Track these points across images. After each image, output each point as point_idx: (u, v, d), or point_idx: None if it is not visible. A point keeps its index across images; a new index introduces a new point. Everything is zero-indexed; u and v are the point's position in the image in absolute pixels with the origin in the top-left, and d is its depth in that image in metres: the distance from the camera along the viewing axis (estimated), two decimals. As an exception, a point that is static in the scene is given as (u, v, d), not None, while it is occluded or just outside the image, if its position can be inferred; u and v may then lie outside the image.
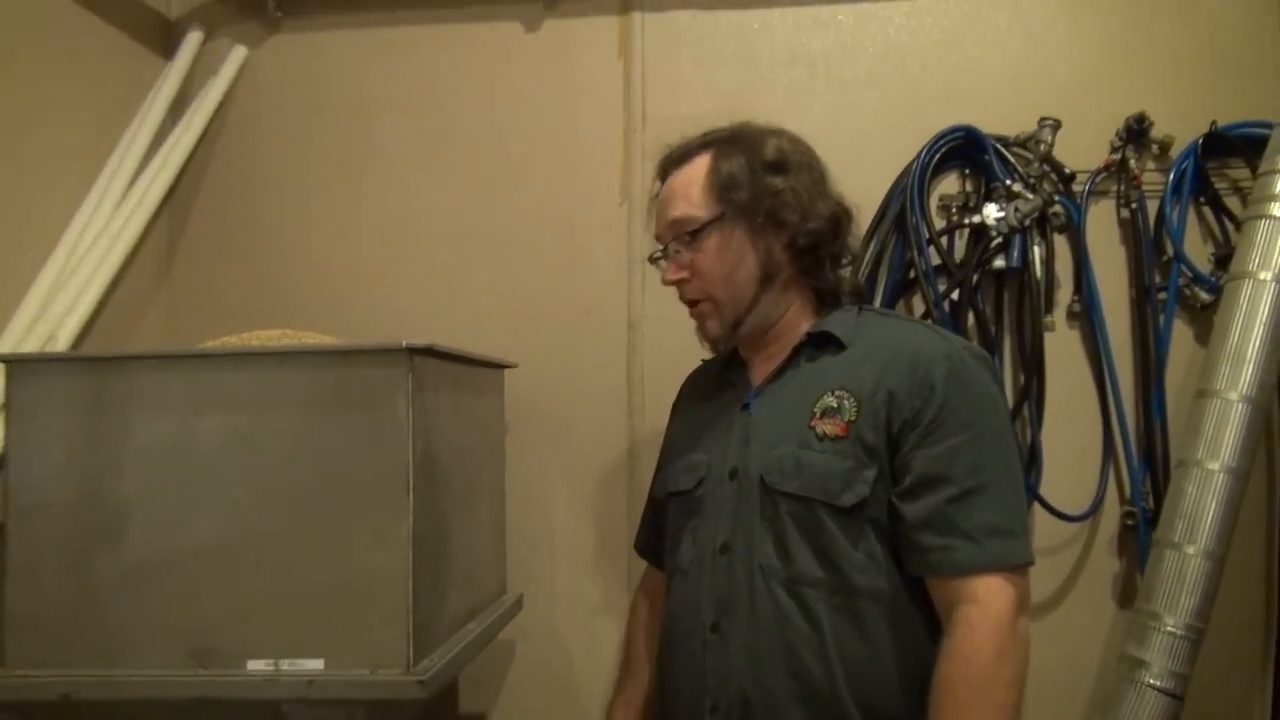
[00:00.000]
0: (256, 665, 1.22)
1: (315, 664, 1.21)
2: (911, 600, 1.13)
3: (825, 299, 1.29)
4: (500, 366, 1.68)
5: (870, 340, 1.22)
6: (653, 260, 1.33)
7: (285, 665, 1.21)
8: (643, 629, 1.45)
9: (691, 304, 1.29)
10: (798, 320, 1.27)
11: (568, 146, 1.92)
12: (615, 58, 1.92)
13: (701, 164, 1.25)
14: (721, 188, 1.22)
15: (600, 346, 1.89)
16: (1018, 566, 1.09)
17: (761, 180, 1.21)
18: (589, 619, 1.86)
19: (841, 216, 1.27)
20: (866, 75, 1.86)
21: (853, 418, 1.15)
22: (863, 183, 1.56)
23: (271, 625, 1.23)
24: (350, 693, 1.19)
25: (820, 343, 1.24)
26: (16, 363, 1.30)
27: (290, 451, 1.24)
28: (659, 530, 1.41)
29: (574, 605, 1.87)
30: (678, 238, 1.25)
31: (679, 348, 1.80)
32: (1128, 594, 1.75)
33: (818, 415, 1.18)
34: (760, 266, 1.23)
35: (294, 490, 1.23)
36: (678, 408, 1.46)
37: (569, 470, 1.88)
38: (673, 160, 1.29)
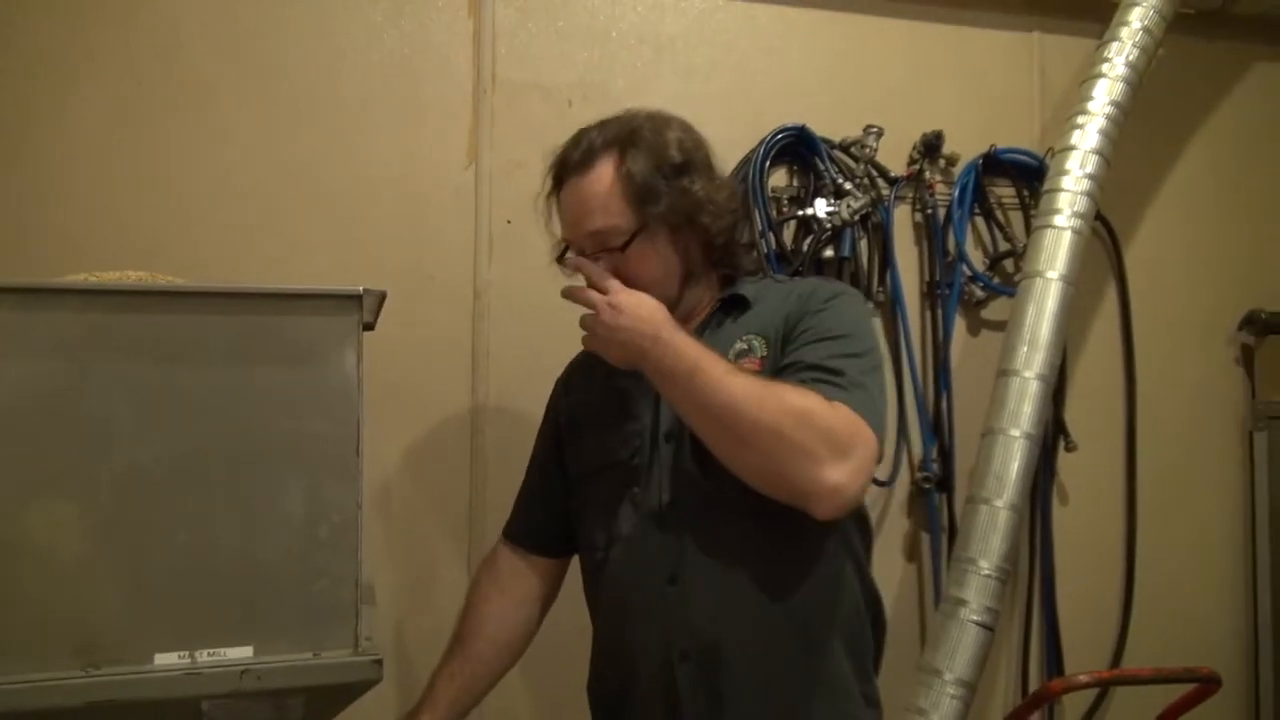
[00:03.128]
0: (167, 659, 1.04)
1: (243, 651, 1.06)
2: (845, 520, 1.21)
3: (740, 273, 1.36)
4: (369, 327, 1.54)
5: (773, 296, 1.30)
6: (559, 260, 1.33)
7: (205, 656, 1.04)
8: (482, 605, 1.41)
9: None
10: (711, 298, 1.34)
11: (411, 102, 1.81)
12: (465, 15, 1.84)
13: (609, 171, 1.23)
14: (639, 197, 1.22)
15: (445, 314, 1.80)
16: (871, 427, 1.11)
17: (675, 185, 1.23)
18: (426, 594, 1.77)
19: (739, 201, 1.34)
20: (709, 65, 1.96)
21: (764, 353, 1.23)
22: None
23: (181, 612, 1.04)
24: (295, 680, 1.05)
25: (729, 307, 1.31)
26: None
27: (209, 409, 1.06)
28: (548, 513, 1.40)
29: (411, 580, 1.77)
30: (600, 248, 1.25)
31: (526, 317, 1.80)
32: (913, 549, 2.01)
33: (732, 359, 1.22)
34: (682, 265, 1.28)
35: (214, 454, 1.06)
36: (575, 386, 1.43)
37: (408, 441, 1.77)
38: (574, 164, 1.26)
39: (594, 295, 1.20)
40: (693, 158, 1.26)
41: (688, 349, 1.14)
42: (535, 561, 1.41)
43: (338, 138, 1.76)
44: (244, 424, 1.07)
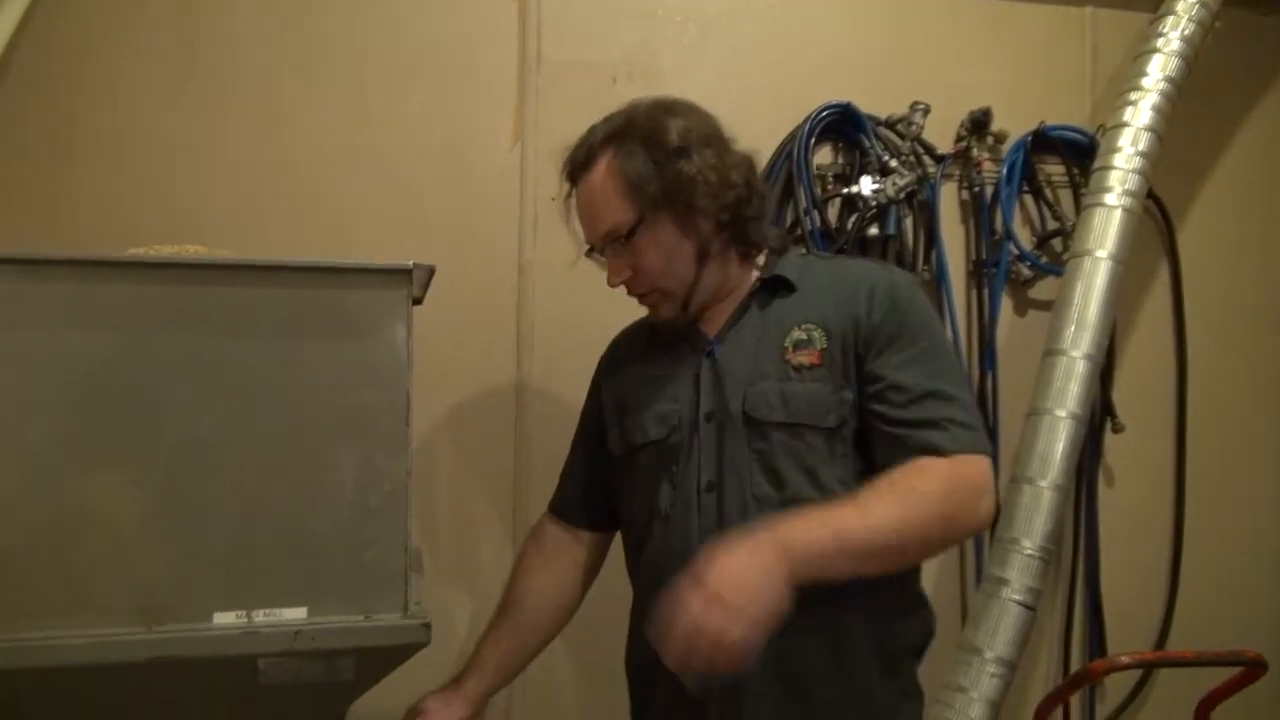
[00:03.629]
0: (225, 618, 1.08)
1: (297, 613, 1.09)
2: None
3: (759, 249, 1.36)
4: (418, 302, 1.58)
5: (820, 279, 1.30)
6: (587, 255, 1.35)
7: (261, 616, 1.08)
8: (527, 575, 1.44)
9: (641, 295, 1.32)
10: (741, 274, 1.34)
11: (457, 80, 1.83)
12: (510, -6, 1.86)
13: (604, 168, 1.25)
14: (633, 188, 1.23)
15: (490, 290, 1.83)
16: (983, 453, 1.18)
17: (669, 170, 1.23)
18: (473, 563, 1.81)
19: (751, 174, 1.33)
20: (754, 42, 1.95)
21: (823, 346, 1.23)
22: (745, 147, 1.64)
23: (238, 575, 1.09)
24: (346, 641, 1.09)
25: (773, 287, 1.31)
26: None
27: (263, 381, 1.10)
28: (592, 488, 1.42)
29: (457, 549, 1.81)
30: (611, 244, 1.27)
31: (570, 295, 1.82)
32: (955, 528, 2.00)
33: (790, 349, 1.24)
34: (694, 247, 1.27)
35: (268, 425, 1.09)
36: (615, 367, 1.45)
37: (455, 415, 1.81)
38: (578, 164, 1.29)
39: (680, 610, 1.01)
40: (690, 140, 1.25)
41: (809, 525, 1.08)
42: (579, 534, 1.44)
43: (386, 116, 1.79)
44: (297, 395, 1.11)
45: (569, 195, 1.32)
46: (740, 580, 1.01)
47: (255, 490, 1.10)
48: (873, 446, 1.22)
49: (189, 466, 1.08)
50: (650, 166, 1.23)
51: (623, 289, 1.32)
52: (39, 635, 1.02)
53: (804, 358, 1.24)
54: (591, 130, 1.29)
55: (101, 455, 1.06)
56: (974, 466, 1.16)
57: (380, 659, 1.13)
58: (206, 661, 1.06)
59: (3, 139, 1.65)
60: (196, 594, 1.07)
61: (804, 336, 1.25)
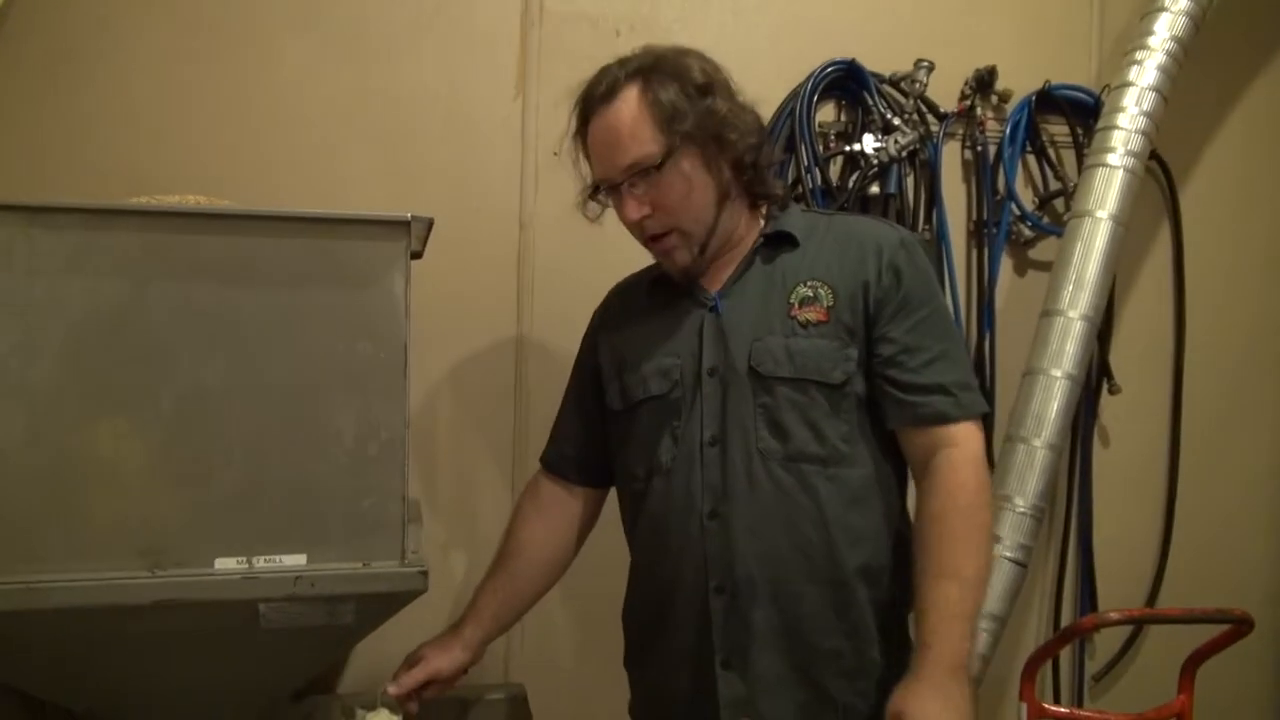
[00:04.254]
0: (227, 564, 1.10)
1: (297, 559, 1.12)
2: (885, 459, 1.26)
3: (764, 202, 1.36)
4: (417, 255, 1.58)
5: (824, 235, 1.31)
6: (591, 197, 1.33)
7: (262, 562, 1.11)
8: (523, 528, 1.46)
9: (655, 238, 1.29)
10: (747, 227, 1.34)
11: (460, 32, 1.81)
12: (513, -57, 1.84)
13: (634, 98, 1.24)
14: (666, 120, 1.22)
15: (491, 244, 1.83)
16: (981, 415, 1.25)
17: (700, 105, 1.24)
18: (472, 514, 1.83)
19: (761, 125, 1.34)
20: (759, -1, 1.94)
21: (831, 303, 1.25)
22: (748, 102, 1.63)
23: (240, 521, 1.11)
24: (344, 587, 1.12)
25: (776, 243, 1.31)
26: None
27: (264, 329, 1.12)
28: (587, 445, 1.44)
29: (457, 500, 1.83)
30: (634, 177, 1.25)
31: (571, 251, 1.82)
32: (950, 487, 2.02)
33: (797, 305, 1.25)
34: (716, 188, 1.27)
35: (269, 373, 1.12)
36: (612, 322, 1.45)
37: (455, 368, 1.82)
38: (598, 97, 1.26)
39: None
40: (714, 80, 1.27)
41: (950, 629, 1.14)
42: (574, 490, 1.45)
43: (388, 67, 1.78)
44: (297, 343, 1.12)
45: (577, 132, 1.30)
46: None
47: (256, 438, 1.12)
48: (884, 409, 1.24)
49: (191, 414, 1.10)
50: (684, 99, 1.23)
51: (623, 249, 1.31)
52: (45, 578, 1.05)
53: (810, 314, 1.25)
54: (607, 68, 1.27)
55: (106, 402, 1.08)
56: (973, 443, 1.22)
57: (379, 605, 1.16)
58: (208, 605, 1.09)
59: (4, 88, 1.65)
60: (199, 540, 1.10)
61: (810, 293, 1.26)
